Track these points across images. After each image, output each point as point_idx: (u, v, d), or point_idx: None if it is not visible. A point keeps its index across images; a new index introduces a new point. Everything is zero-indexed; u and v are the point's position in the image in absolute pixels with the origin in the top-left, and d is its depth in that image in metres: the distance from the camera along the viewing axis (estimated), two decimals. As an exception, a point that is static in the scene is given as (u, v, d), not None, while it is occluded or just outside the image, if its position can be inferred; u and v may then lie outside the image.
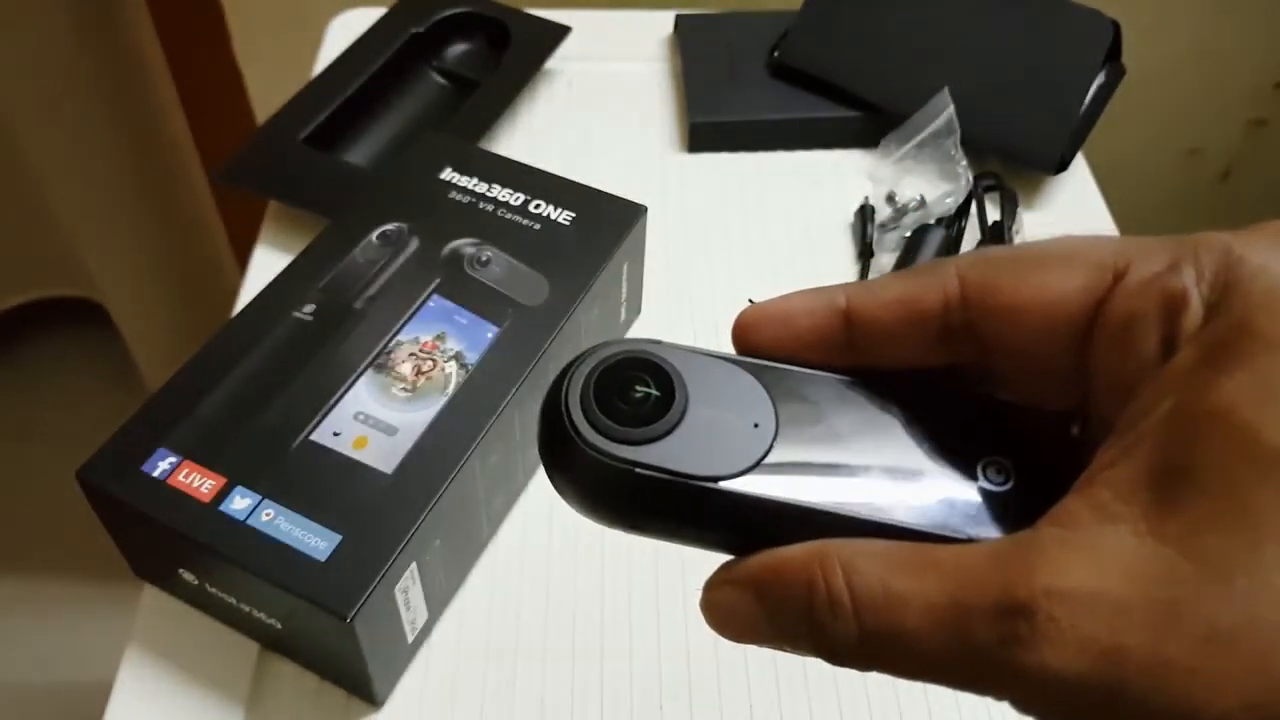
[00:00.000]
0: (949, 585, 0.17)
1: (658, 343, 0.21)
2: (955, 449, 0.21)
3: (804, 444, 0.20)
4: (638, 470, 0.19)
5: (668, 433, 0.20)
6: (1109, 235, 0.20)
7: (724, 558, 0.21)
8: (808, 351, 0.21)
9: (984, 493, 0.20)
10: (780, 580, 0.19)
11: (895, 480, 0.20)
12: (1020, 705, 0.16)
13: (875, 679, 0.42)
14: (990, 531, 0.19)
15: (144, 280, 1.22)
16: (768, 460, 0.20)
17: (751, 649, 0.43)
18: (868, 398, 0.21)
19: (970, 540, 0.18)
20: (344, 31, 0.71)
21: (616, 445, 0.19)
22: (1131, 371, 0.18)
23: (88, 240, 1.17)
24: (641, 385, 0.20)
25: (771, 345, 0.21)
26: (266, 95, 1.02)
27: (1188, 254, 0.17)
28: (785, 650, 0.19)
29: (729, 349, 0.22)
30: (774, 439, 0.20)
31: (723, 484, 0.20)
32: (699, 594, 0.21)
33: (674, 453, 0.20)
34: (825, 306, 0.21)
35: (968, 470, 0.20)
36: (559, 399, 0.20)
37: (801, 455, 0.20)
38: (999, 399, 0.21)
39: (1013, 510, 0.20)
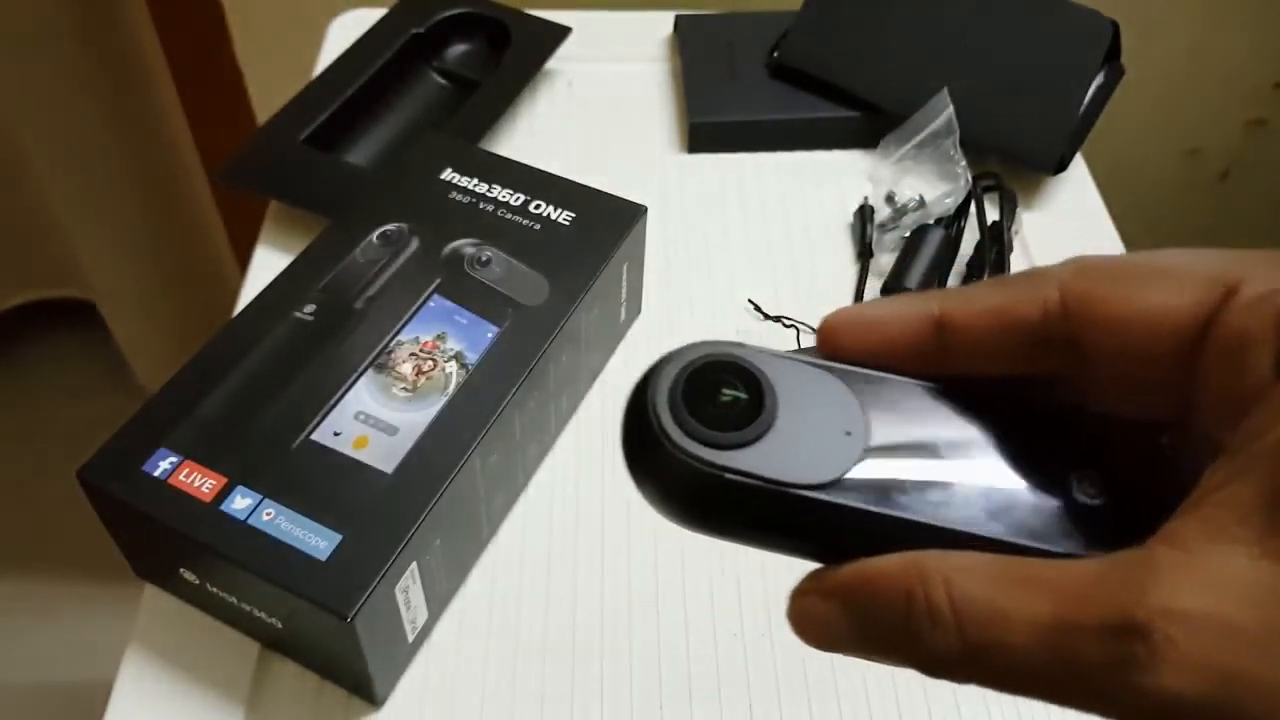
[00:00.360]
0: (1056, 602, 0.16)
1: (741, 345, 0.21)
2: (1047, 461, 0.20)
3: (896, 453, 0.20)
4: (728, 475, 0.19)
5: (758, 438, 0.19)
6: (1217, 250, 0.19)
7: (810, 565, 0.20)
8: (896, 358, 0.21)
9: (1077, 506, 0.20)
10: (875, 591, 0.18)
11: (988, 492, 0.20)
12: None
13: (874, 681, 0.42)
14: (1084, 547, 0.19)
15: (141, 282, 1.22)
16: (860, 469, 0.19)
17: (753, 648, 0.44)
18: (957, 407, 0.21)
19: (1067, 555, 0.18)
20: (344, 32, 0.71)
21: (706, 449, 0.19)
22: (1242, 389, 0.17)
23: (85, 241, 1.17)
24: (729, 389, 0.20)
25: (859, 350, 0.21)
26: (267, 95, 1.02)
27: None
28: (874, 660, 0.19)
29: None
30: (865, 447, 0.20)
31: (815, 493, 0.19)
32: (785, 602, 0.20)
33: (765, 459, 0.19)
34: (918, 313, 0.21)
35: (1060, 483, 0.20)
36: (645, 400, 0.20)
37: (893, 464, 0.20)
38: (1089, 410, 0.21)
39: (1107, 525, 0.19)
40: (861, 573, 0.19)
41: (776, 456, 0.19)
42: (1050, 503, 0.20)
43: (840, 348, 0.21)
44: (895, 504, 0.19)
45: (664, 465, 0.19)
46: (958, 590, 0.17)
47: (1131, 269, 0.19)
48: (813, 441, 0.20)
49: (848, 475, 0.19)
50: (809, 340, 0.55)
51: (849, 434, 0.20)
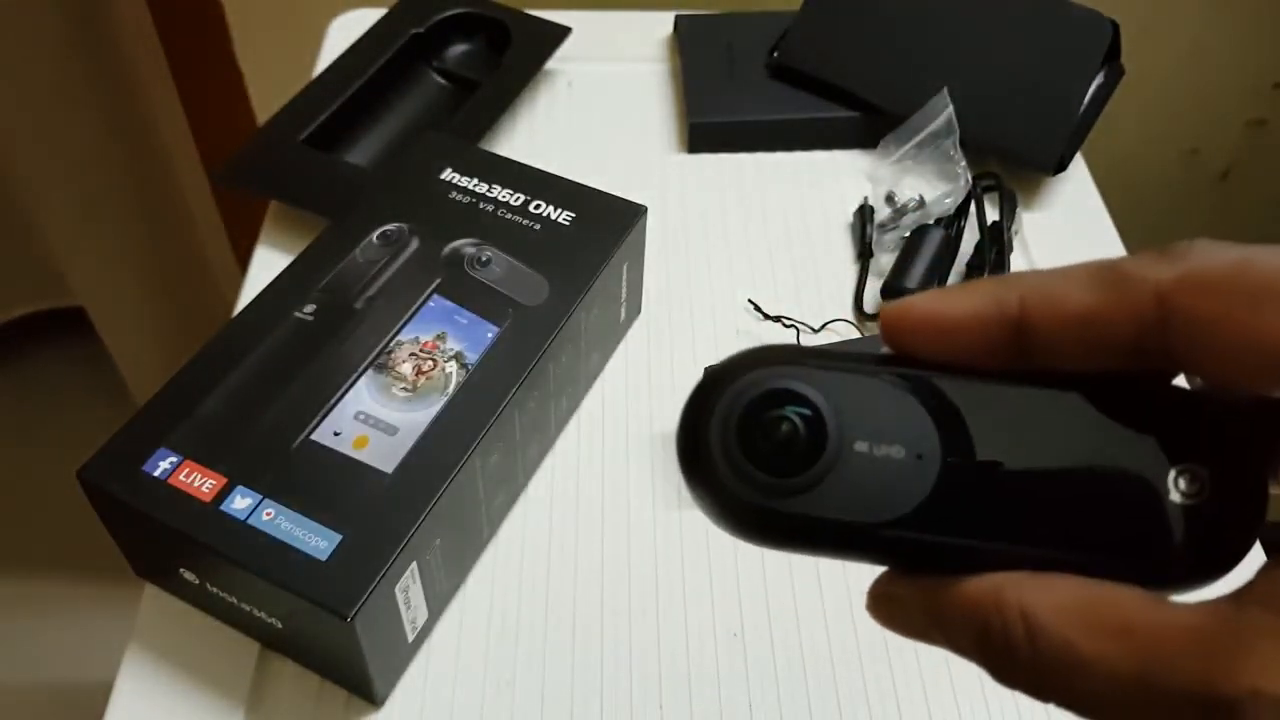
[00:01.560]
0: (1141, 660, 0.16)
1: (802, 359, 0.19)
2: (1143, 456, 0.19)
3: (972, 473, 0.19)
4: (786, 514, 0.18)
5: (820, 480, 0.18)
6: None
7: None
8: (970, 359, 0.19)
9: (1176, 506, 0.18)
10: (953, 613, 0.18)
11: (1075, 499, 0.18)
12: None
13: (873, 679, 0.42)
14: (1184, 550, 0.18)
15: (134, 292, 1.21)
16: (933, 497, 0.18)
17: (753, 648, 0.44)
18: (1040, 403, 0.19)
19: (1160, 575, 0.17)
20: (344, 32, 0.71)
21: (763, 495, 0.18)
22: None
23: (79, 252, 1.16)
24: (788, 420, 0.19)
25: (930, 350, 0.19)
26: (267, 96, 1.02)
27: None
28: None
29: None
30: (939, 473, 0.18)
31: (885, 530, 0.18)
32: (863, 596, 0.20)
33: (829, 500, 0.18)
34: (996, 314, 0.19)
35: (1158, 480, 0.18)
36: (698, 434, 0.19)
37: (969, 486, 0.19)
38: (1190, 392, 0.19)
39: (1209, 523, 0.18)
40: (942, 592, 0.18)
41: (842, 495, 0.18)
42: (1147, 504, 0.18)
43: (906, 346, 0.20)
44: (971, 531, 0.18)
45: (720, 500, 0.19)
46: (1037, 627, 0.17)
47: (1244, 284, 0.17)
48: (881, 473, 0.18)
49: (920, 507, 0.18)
50: (808, 340, 0.55)
51: (920, 458, 0.19)
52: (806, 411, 0.19)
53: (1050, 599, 0.17)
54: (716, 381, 0.19)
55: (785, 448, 0.18)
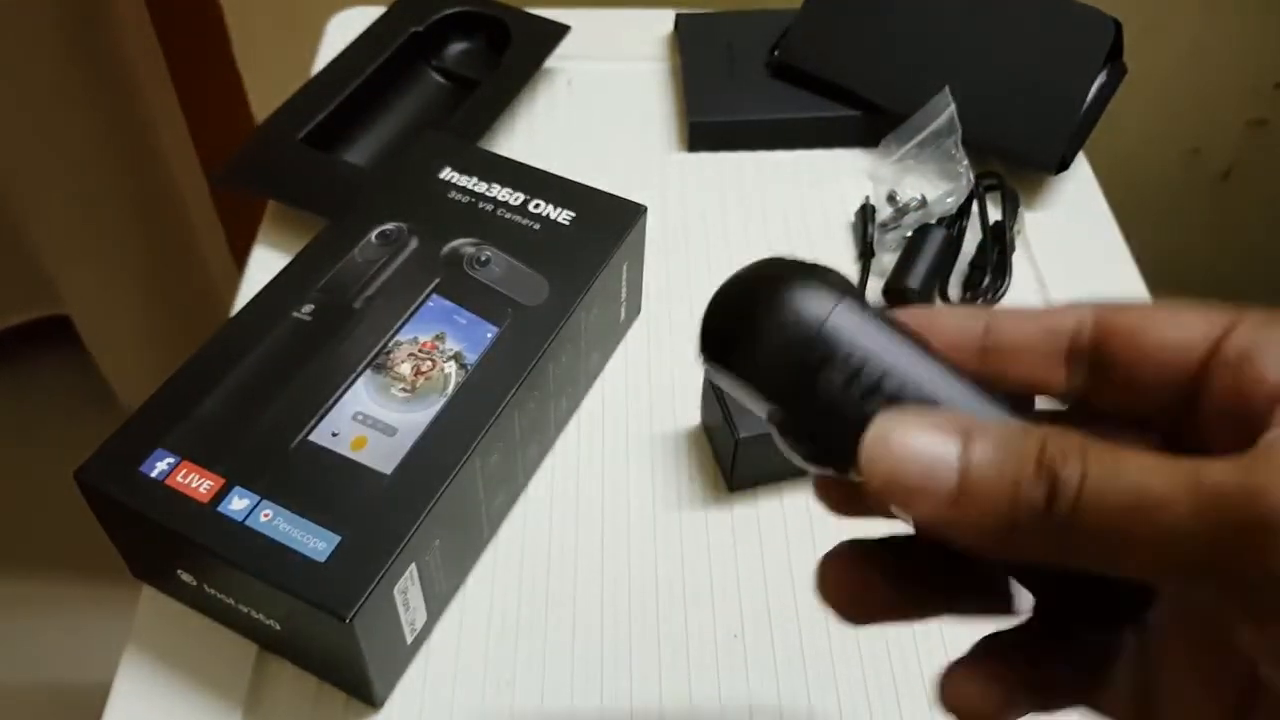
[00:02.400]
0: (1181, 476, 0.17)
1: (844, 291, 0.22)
2: None
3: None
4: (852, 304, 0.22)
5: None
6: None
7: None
8: (942, 341, 0.23)
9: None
10: (1002, 435, 0.19)
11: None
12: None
13: (873, 679, 0.42)
14: None
15: (129, 296, 1.21)
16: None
17: (753, 648, 0.43)
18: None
19: None
20: (343, 30, 0.71)
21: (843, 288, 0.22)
22: (1248, 391, 0.19)
23: (72, 257, 1.16)
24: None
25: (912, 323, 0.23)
26: (265, 95, 1.02)
27: None
28: (961, 522, 0.19)
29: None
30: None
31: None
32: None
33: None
34: (970, 316, 0.23)
35: None
36: (803, 264, 0.22)
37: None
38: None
39: None
40: (987, 431, 0.19)
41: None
42: None
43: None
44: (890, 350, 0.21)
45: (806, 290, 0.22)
46: (1091, 456, 0.18)
47: (1153, 306, 0.22)
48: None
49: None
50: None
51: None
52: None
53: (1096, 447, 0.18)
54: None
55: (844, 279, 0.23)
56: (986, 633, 0.23)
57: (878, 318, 0.22)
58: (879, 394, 0.21)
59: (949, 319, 0.23)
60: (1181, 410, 0.21)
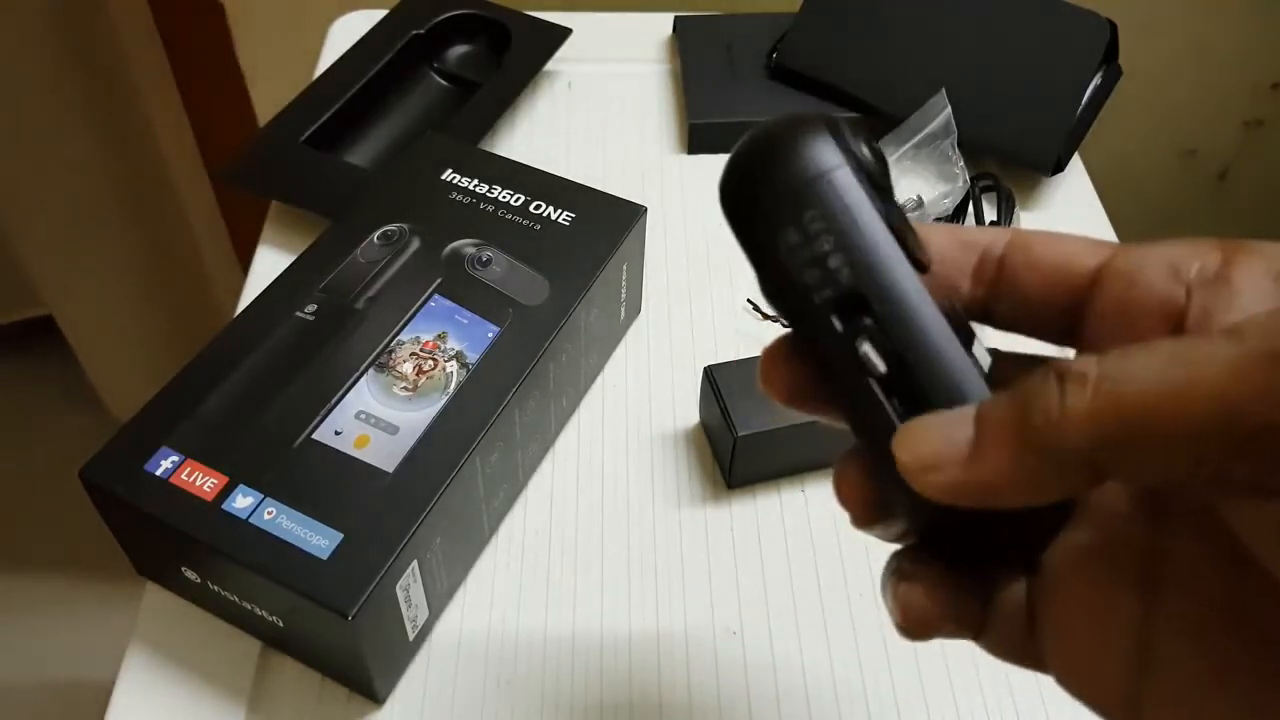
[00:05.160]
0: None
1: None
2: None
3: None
4: (860, 173, 0.21)
5: (889, 192, 0.22)
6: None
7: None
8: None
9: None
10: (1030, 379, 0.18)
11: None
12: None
13: (871, 679, 0.43)
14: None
15: (126, 298, 1.21)
16: (931, 279, 0.22)
17: (752, 648, 0.44)
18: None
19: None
20: (345, 33, 0.72)
21: (855, 158, 0.21)
22: (1133, 303, 0.20)
23: (68, 259, 1.16)
24: (879, 154, 0.23)
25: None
26: (268, 97, 1.02)
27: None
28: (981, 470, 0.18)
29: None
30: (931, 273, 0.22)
31: (901, 246, 0.21)
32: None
33: (889, 211, 0.22)
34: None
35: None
36: (827, 117, 0.22)
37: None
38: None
39: None
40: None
41: (890, 211, 0.22)
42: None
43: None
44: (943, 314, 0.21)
45: (819, 137, 0.21)
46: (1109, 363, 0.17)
47: (1054, 234, 0.23)
48: (907, 229, 0.22)
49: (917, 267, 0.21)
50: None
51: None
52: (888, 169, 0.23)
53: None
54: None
55: (880, 156, 0.23)
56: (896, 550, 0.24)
57: (868, 199, 0.21)
58: (827, 272, 0.21)
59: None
60: (1069, 326, 0.22)
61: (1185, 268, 0.20)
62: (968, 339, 0.21)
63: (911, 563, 0.23)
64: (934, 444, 0.19)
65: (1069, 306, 0.22)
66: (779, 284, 0.22)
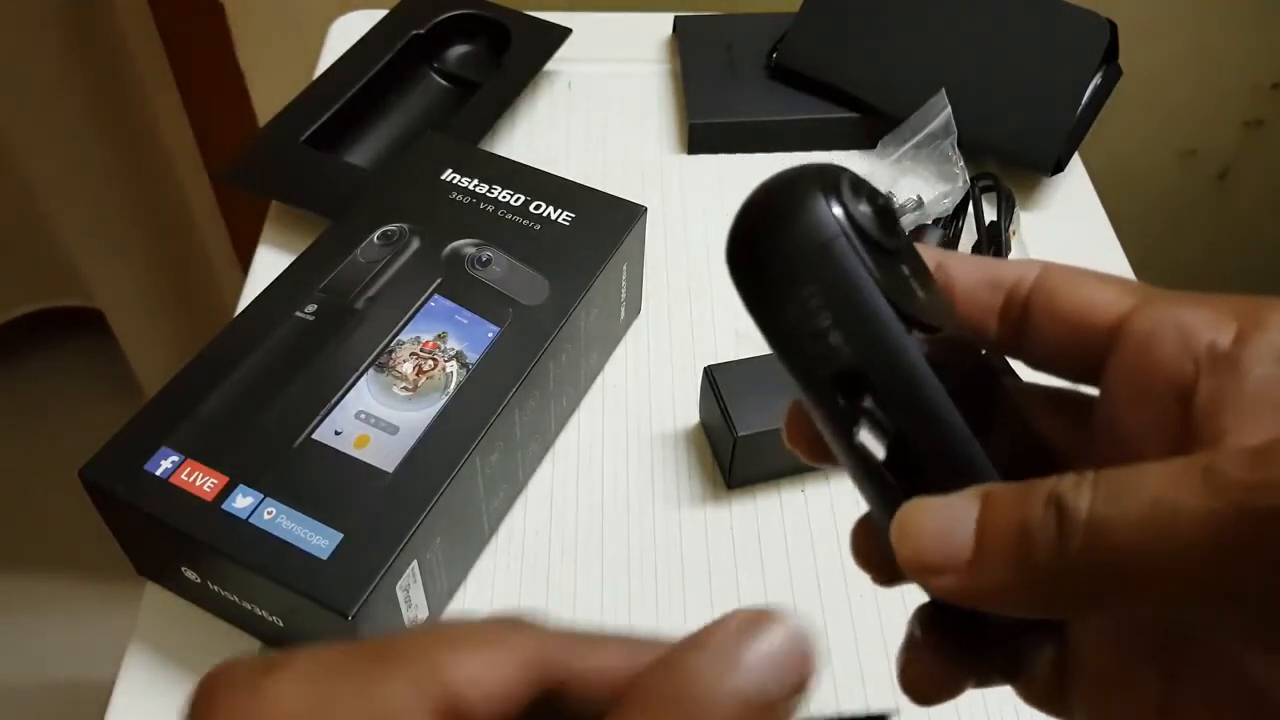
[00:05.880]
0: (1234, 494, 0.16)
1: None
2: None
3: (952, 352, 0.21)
4: (851, 242, 0.20)
5: (891, 251, 0.21)
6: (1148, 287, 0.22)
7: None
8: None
9: None
10: (1002, 501, 0.18)
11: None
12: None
13: (872, 681, 0.43)
14: None
15: (142, 288, 1.21)
16: (942, 340, 0.21)
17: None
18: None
19: None
20: (345, 33, 0.72)
21: (848, 219, 0.20)
22: (1149, 372, 0.20)
23: (86, 249, 1.17)
24: (878, 205, 0.21)
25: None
26: (268, 97, 1.02)
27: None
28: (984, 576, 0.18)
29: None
30: (942, 327, 0.21)
31: (900, 316, 0.20)
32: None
33: (879, 265, 0.21)
34: (926, 256, 0.23)
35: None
36: (827, 171, 0.21)
37: (955, 358, 0.21)
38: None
39: None
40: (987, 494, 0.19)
41: (888, 275, 0.21)
42: None
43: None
44: (944, 380, 0.20)
45: (812, 206, 0.21)
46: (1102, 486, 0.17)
47: (1079, 271, 0.22)
48: (909, 286, 0.21)
49: (928, 344, 0.20)
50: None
51: (931, 311, 0.21)
52: (893, 214, 0.22)
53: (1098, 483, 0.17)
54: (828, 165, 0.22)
55: (879, 214, 0.21)
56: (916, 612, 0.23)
57: (865, 270, 0.20)
58: (828, 348, 0.21)
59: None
60: (1093, 373, 0.21)
61: (1197, 340, 0.19)
62: (981, 403, 0.21)
63: (924, 628, 0.22)
64: (933, 540, 0.19)
65: (1090, 358, 0.21)
66: (784, 354, 0.22)
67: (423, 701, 0.17)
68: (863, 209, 0.21)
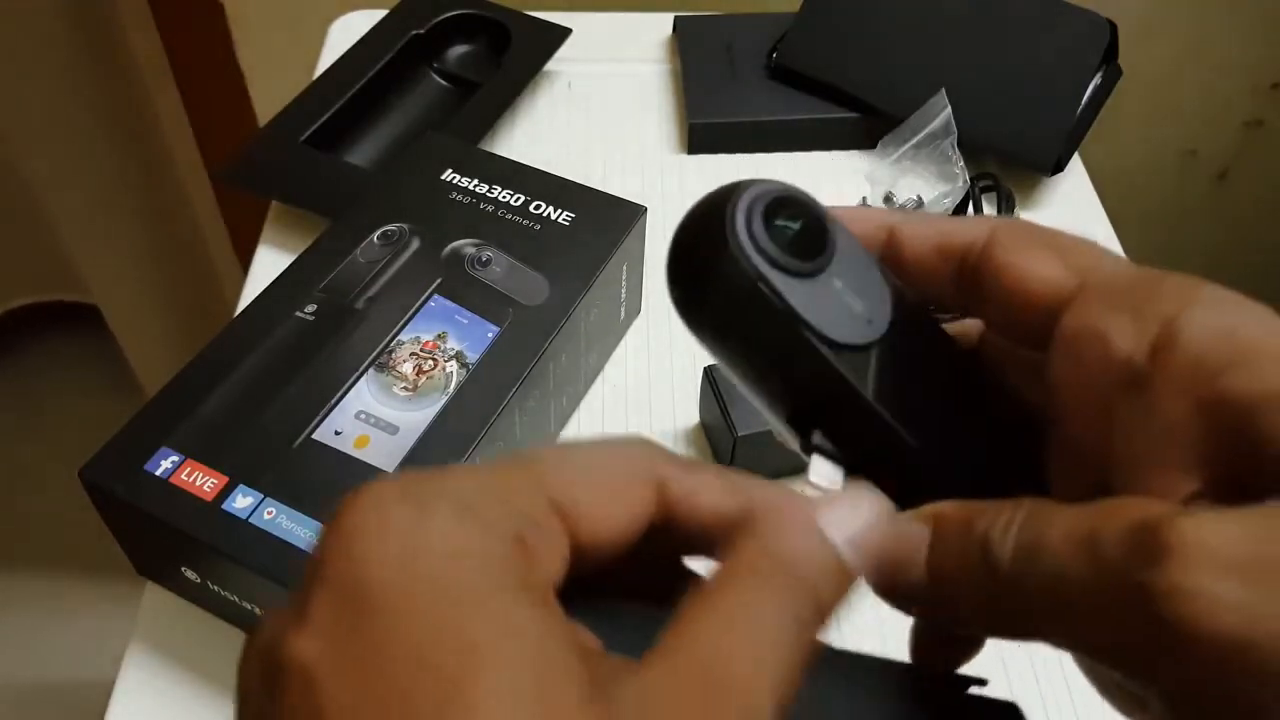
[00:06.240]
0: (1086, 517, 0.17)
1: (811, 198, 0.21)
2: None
3: (899, 354, 0.21)
4: (779, 292, 0.20)
5: (812, 275, 0.20)
6: (1118, 258, 0.21)
7: None
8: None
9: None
10: (951, 528, 0.19)
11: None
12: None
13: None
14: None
15: (141, 284, 1.22)
16: (873, 355, 0.20)
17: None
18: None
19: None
20: (345, 33, 0.72)
21: (763, 260, 0.20)
22: (1087, 367, 0.19)
23: (84, 244, 1.17)
24: (793, 225, 0.20)
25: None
26: (268, 97, 1.02)
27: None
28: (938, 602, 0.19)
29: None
30: (880, 338, 0.21)
31: (841, 352, 0.20)
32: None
33: (809, 297, 0.20)
34: (876, 220, 0.23)
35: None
36: (725, 204, 0.20)
37: (895, 365, 0.21)
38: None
39: None
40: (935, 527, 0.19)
41: (817, 302, 0.20)
42: None
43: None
44: (887, 400, 0.20)
45: (722, 263, 0.20)
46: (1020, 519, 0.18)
47: (1040, 232, 0.21)
48: (842, 310, 0.20)
49: (859, 352, 0.20)
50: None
51: (870, 323, 0.21)
52: (818, 222, 0.21)
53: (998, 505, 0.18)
54: (741, 182, 0.21)
55: (796, 236, 0.20)
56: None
57: (777, 308, 0.20)
58: (762, 393, 0.21)
59: (858, 223, 0.22)
60: (1042, 342, 0.21)
61: (1116, 353, 0.19)
62: (936, 392, 0.21)
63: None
64: (892, 571, 0.19)
65: (1037, 334, 0.21)
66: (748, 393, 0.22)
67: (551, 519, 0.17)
68: (772, 248, 0.20)
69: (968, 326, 0.24)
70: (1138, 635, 0.16)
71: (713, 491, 0.20)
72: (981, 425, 0.22)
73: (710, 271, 0.20)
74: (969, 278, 0.22)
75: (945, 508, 0.19)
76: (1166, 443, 0.18)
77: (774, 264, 0.20)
